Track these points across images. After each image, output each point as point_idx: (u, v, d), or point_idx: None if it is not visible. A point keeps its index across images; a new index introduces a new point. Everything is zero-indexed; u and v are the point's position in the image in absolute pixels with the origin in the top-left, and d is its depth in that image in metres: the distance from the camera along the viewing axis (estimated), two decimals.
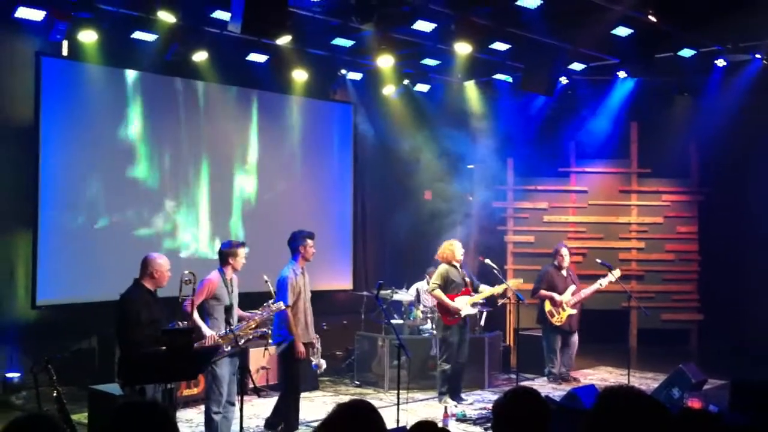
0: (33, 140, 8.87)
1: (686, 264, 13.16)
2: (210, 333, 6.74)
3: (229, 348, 6.78)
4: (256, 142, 11.03)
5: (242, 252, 7.07)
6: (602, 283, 10.06)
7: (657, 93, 12.13)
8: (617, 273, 10.10)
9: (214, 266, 7.20)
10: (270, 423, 7.55)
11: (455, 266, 9.00)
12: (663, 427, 2.65)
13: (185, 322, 6.49)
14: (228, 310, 6.83)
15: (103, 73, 9.39)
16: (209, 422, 6.90)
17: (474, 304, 9.04)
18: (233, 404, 6.97)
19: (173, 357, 5.59)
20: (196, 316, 6.74)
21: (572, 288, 10.11)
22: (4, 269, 9.06)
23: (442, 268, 9.02)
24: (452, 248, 8.99)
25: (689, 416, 2.86)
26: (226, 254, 7.09)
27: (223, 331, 6.82)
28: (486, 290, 9.16)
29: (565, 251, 10.22)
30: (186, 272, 6.53)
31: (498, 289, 9.23)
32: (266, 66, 10.38)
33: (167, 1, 8.61)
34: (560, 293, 10.06)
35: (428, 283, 9.52)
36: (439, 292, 8.86)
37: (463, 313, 8.84)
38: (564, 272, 10.22)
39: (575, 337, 10.23)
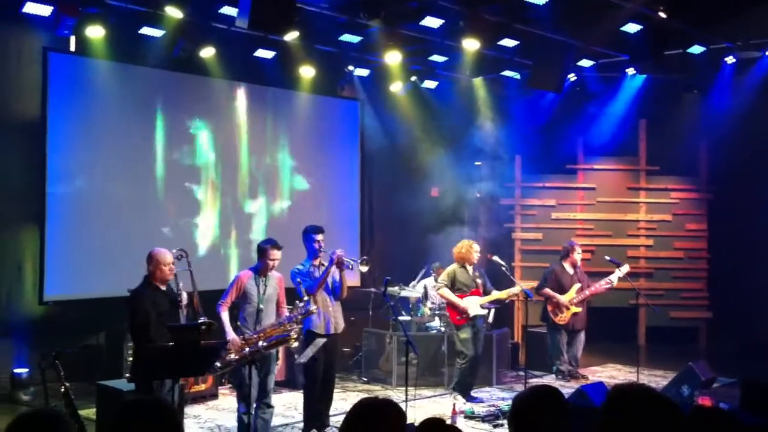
0: (40, 135, 8.88)
1: (695, 262, 13.10)
2: (232, 337, 6.67)
3: (247, 350, 6.49)
4: (262, 138, 11.01)
5: (274, 251, 6.86)
6: (612, 279, 9.98)
7: (666, 90, 12.09)
8: (626, 268, 10.02)
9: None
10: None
11: (466, 267, 8.95)
12: (675, 425, 2.62)
13: (203, 319, 6.26)
14: (257, 310, 6.76)
15: (110, 69, 9.37)
16: (239, 421, 6.86)
17: (483, 305, 8.97)
18: (269, 406, 6.91)
19: (179, 353, 5.57)
20: (224, 317, 6.73)
21: (577, 286, 10.03)
22: (12, 264, 9.08)
23: (451, 267, 8.98)
24: (471, 250, 8.89)
25: (703, 414, 2.82)
26: (258, 251, 7.03)
27: (249, 333, 6.75)
28: (499, 294, 9.08)
29: (579, 250, 10.13)
30: (175, 250, 6.51)
31: (511, 293, 9.12)
32: (273, 62, 10.36)
33: None
34: (567, 291, 10.00)
35: (435, 280, 9.47)
36: (445, 291, 8.83)
37: (471, 313, 8.81)
38: (571, 270, 10.16)
39: (581, 336, 10.15)
